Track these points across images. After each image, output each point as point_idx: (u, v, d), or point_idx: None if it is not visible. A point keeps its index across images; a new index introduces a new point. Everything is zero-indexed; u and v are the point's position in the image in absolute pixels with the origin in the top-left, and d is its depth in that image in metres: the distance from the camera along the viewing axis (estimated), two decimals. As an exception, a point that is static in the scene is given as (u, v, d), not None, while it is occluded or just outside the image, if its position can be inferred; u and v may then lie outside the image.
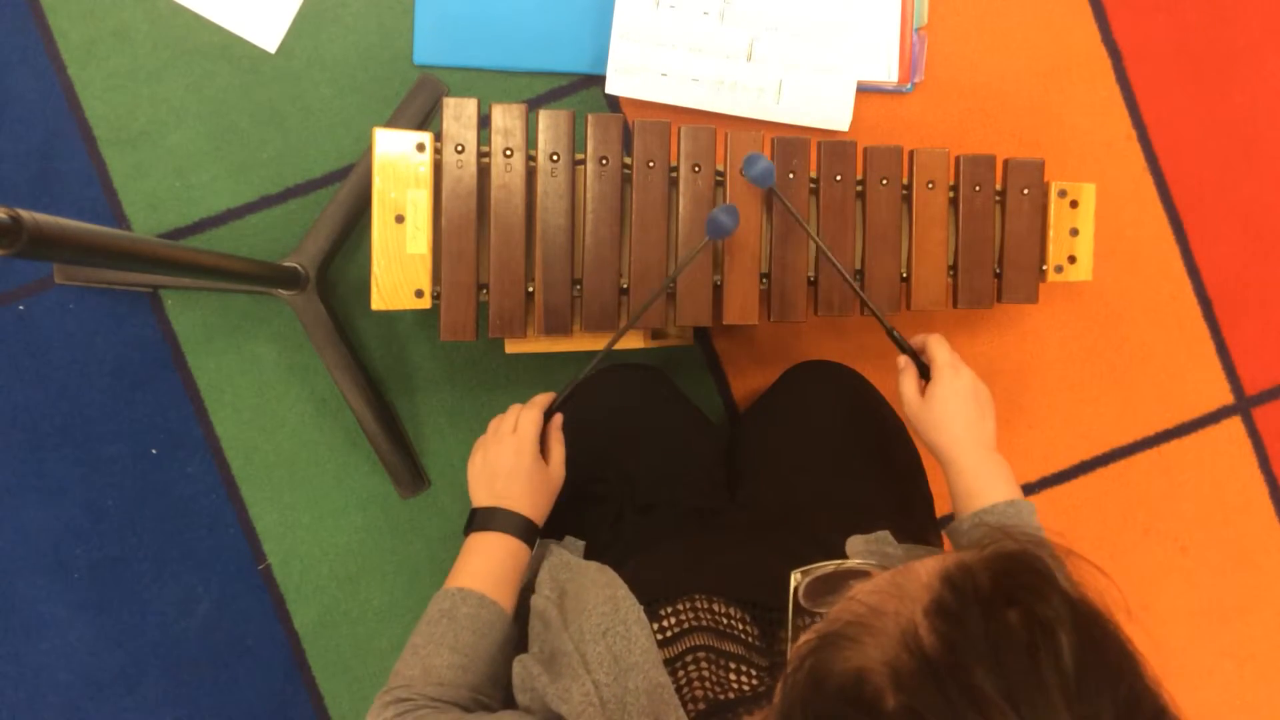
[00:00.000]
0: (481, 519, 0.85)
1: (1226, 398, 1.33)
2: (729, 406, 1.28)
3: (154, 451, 1.22)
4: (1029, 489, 1.32)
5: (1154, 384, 1.32)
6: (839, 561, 0.61)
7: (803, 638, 0.49)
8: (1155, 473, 1.33)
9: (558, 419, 0.94)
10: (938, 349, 0.92)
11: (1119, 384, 1.32)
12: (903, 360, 0.94)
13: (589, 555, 0.90)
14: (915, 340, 0.96)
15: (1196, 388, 1.33)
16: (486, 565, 0.82)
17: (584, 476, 1.01)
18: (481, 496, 0.87)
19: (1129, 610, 0.68)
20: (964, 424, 0.87)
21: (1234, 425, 1.33)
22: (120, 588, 1.22)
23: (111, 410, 1.21)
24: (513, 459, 0.87)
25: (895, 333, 0.94)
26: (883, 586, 0.48)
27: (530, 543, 0.86)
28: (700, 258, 1.01)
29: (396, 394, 1.24)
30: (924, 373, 0.93)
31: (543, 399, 0.94)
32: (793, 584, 0.62)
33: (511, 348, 1.10)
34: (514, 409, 0.91)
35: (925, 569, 0.47)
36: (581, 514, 0.98)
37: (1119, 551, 1.33)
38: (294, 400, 1.23)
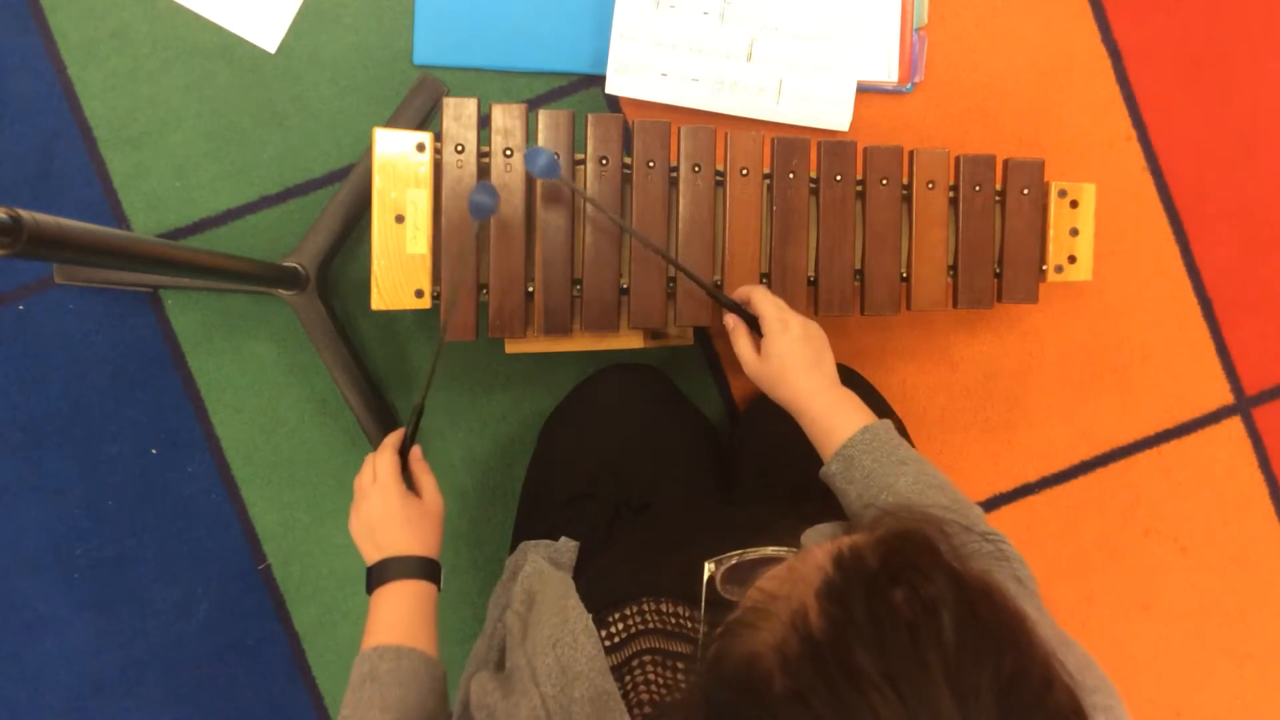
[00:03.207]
0: (376, 575, 0.84)
1: (1226, 398, 1.33)
2: (729, 406, 1.28)
3: (154, 451, 1.22)
4: (1029, 489, 1.32)
5: (1154, 384, 1.32)
6: (743, 550, 0.61)
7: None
8: (1155, 473, 1.33)
9: (416, 451, 0.93)
10: (762, 302, 0.90)
11: (1119, 384, 1.32)
12: (731, 320, 0.92)
13: (584, 556, 0.90)
14: (738, 294, 0.94)
15: (1196, 388, 1.33)
16: (394, 615, 0.81)
17: (581, 477, 1.01)
18: (369, 554, 0.86)
19: (1020, 580, 0.68)
20: (804, 372, 0.86)
21: (1234, 425, 1.33)
22: (120, 588, 1.22)
23: (111, 410, 1.21)
24: (382, 506, 0.86)
25: (717, 291, 0.93)
26: (781, 572, 0.49)
27: (432, 578, 0.85)
28: (700, 258, 1.02)
29: (396, 394, 1.24)
30: (753, 326, 0.91)
31: (393, 438, 0.92)
32: (706, 574, 0.62)
33: (511, 348, 1.10)
34: (368, 460, 0.90)
35: (821, 552, 0.47)
36: (578, 514, 0.98)
37: (1119, 551, 1.33)
38: (294, 400, 1.23)
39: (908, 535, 0.47)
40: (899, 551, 0.46)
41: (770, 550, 0.61)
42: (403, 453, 0.92)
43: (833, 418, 0.84)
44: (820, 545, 0.49)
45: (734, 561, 0.62)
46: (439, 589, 0.86)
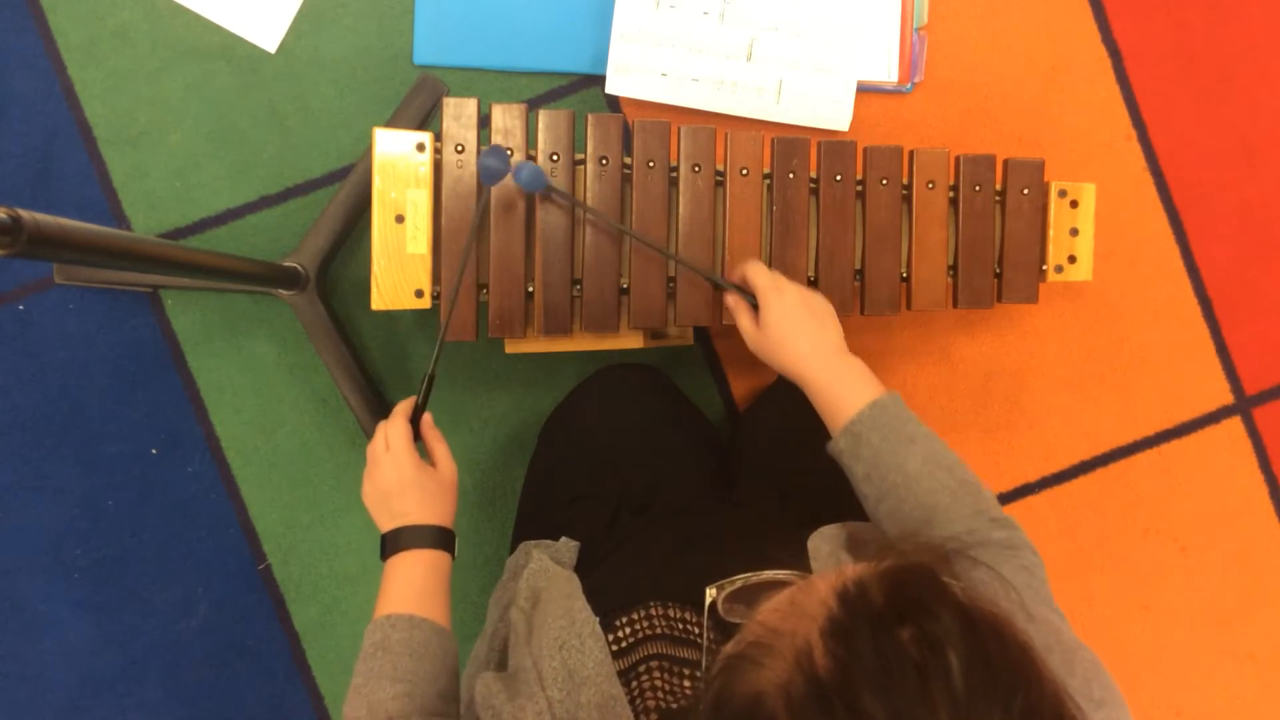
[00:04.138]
0: (390, 543, 0.83)
1: (1226, 398, 1.33)
2: (729, 406, 1.28)
3: (154, 451, 1.22)
4: (1029, 489, 1.32)
5: (1154, 384, 1.32)
6: (748, 575, 0.61)
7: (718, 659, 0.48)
8: (1155, 473, 1.33)
9: (428, 418, 0.92)
10: (756, 275, 0.90)
11: (1119, 384, 1.32)
12: (731, 299, 0.93)
13: (584, 556, 0.90)
14: (734, 273, 0.94)
15: (1196, 388, 1.33)
16: (408, 585, 0.81)
17: (580, 477, 1.01)
18: (383, 522, 0.85)
19: (1030, 614, 0.68)
20: (804, 338, 0.85)
21: (1234, 425, 1.33)
22: (120, 588, 1.22)
23: (111, 410, 1.21)
24: (395, 474, 0.85)
25: (713, 276, 0.94)
26: (782, 605, 0.48)
27: (447, 547, 0.84)
28: (700, 258, 1.01)
29: (396, 394, 1.24)
30: (755, 303, 0.91)
31: (404, 406, 0.91)
32: (708, 599, 0.62)
33: (511, 348, 1.09)
34: (380, 428, 0.89)
35: (825, 585, 0.47)
36: (578, 514, 0.98)
37: (1119, 551, 1.33)
38: (294, 400, 1.23)
39: (912, 570, 0.46)
40: (905, 586, 0.45)
41: (771, 574, 0.61)
42: (414, 421, 0.91)
43: (838, 388, 0.82)
44: (823, 576, 0.48)
45: (736, 586, 0.62)
46: (453, 557, 0.85)
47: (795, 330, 0.86)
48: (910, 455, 0.78)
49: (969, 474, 0.79)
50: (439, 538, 0.84)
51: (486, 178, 0.91)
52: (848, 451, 0.80)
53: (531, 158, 0.99)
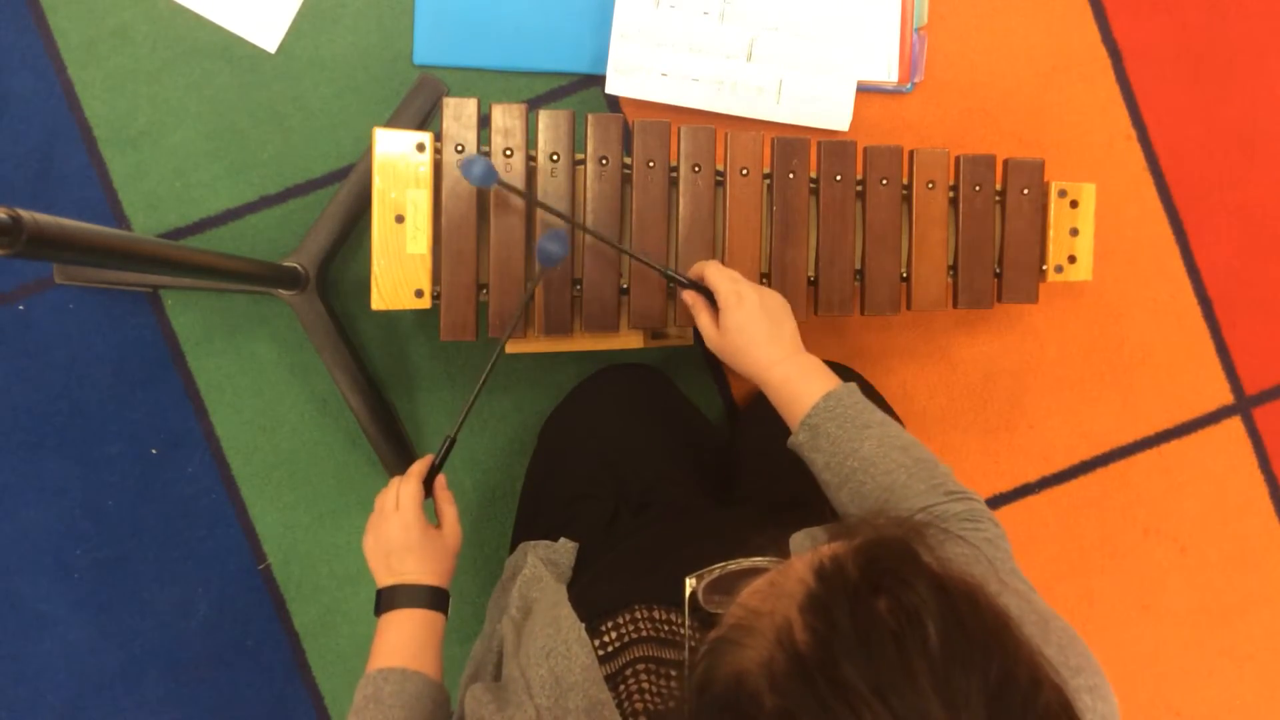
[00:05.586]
0: (386, 599, 0.84)
1: (1226, 398, 1.33)
2: (728, 406, 1.28)
3: (154, 451, 1.22)
4: (1029, 489, 1.32)
5: (1154, 384, 1.32)
6: (724, 563, 0.61)
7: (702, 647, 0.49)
8: (1155, 473, 1.33)
9: (441, 480, 0.92)
10: (716, 277, 0.89)
11: (1119, 384, 1.32)
12: (689, 296, 0.92)
13: (583, 557, 0.90)
14: (693, 271, 0.93)
15: (1196, 388, 1.33)
16: (401, 640, 0.81)
17: (580, 477, 1.01)
18: (381, 576, 0.85)
19: (1002, 582, 0.68)
20: (763, 342, 0.86)
21: (1234, 425, 1.33)
22: (120, 588, 1.22)
23: (111, 410, 1.21)
24: (401, 534, 0.85)
25: (669, 271, 0.93)
26: (762, 587, 0.49)
27: (440, 608, 0.85)
28: (700, 257, 1.01)
29: (396, 394, 1.24)
30: (713, 301, 0.90)
31: (420, 467, 0.91)
32: (688, 589, 0.62)
33: (512, 348, 1.09)
34: (393, 483, 0.89)
35: (802, 564, 0.47)
36: (577, 515, 0.98)
37: (1119, 551, 1.33)
38: (294, 400, 1.23)
39: (886, 542, 0.47)
40: (879, 559, 0.46)
41: (750, 562, 0.61)
42: (429, 480, 0.91)
43: (795, 386, 0.83)
44: (800, 557, 0.49)
45: (715, 575, 0.62)
46: (446, 618, 0.86)
47: (755, 335, 0.86)
48: (865, 439, 0.79)
49: (924, 452, 0.79)
50: (434, 598, 0.84)
51: (545, 260, 0.91)
52: (807, 444, 0.81)
53: (532, 157, 0.99)
